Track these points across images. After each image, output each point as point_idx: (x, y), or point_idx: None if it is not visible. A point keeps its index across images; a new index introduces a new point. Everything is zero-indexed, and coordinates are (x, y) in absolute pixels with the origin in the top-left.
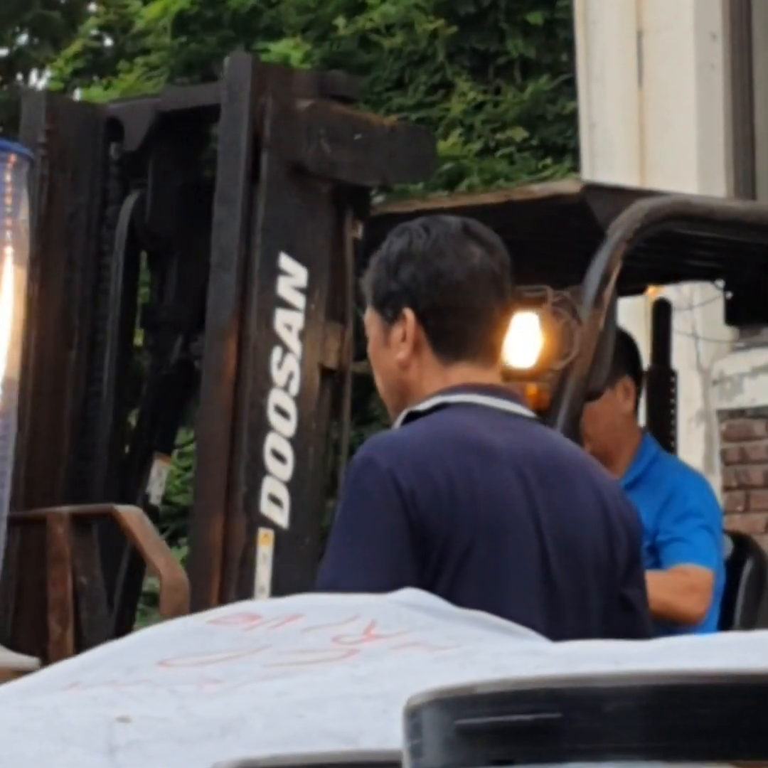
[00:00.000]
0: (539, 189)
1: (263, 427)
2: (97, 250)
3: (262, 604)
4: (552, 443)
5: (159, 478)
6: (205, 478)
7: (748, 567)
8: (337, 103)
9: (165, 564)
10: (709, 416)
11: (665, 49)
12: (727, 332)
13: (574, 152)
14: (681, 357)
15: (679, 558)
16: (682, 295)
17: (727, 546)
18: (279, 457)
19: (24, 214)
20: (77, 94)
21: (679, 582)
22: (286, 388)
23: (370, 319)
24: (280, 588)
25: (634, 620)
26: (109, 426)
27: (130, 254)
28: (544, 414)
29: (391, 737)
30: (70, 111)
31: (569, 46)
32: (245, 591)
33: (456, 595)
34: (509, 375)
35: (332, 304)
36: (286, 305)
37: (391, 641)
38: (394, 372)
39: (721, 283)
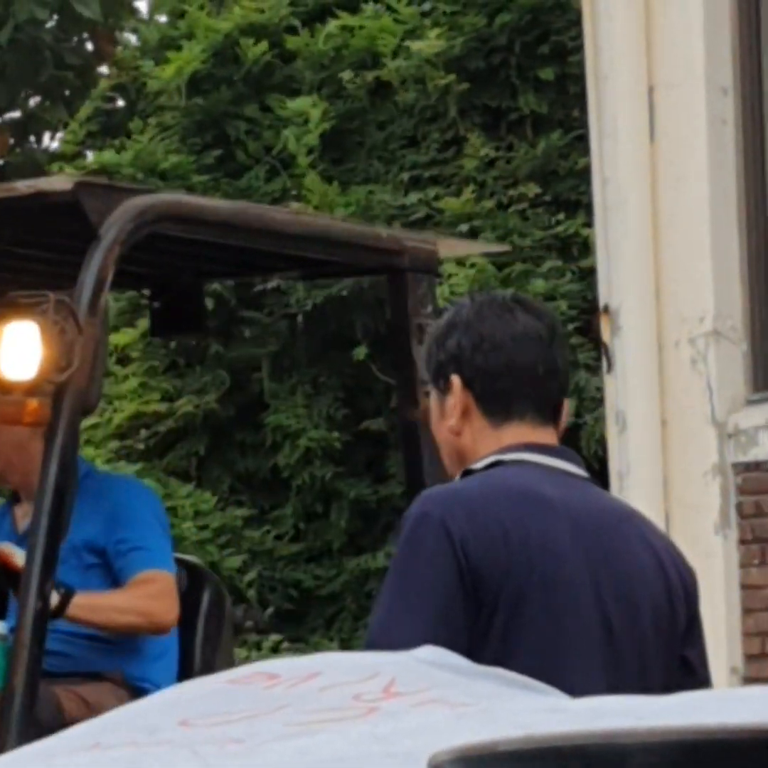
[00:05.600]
0: (25, 186)
1: None
2: None
3: (281, 663)
4: (606, 502)
5: None
6: None
7: (205, 598)
8: None
9: None
10: (725, 469)
11: (677, 105)
12: (742, 385)
13: (588, 207)
14: (696, 410)
15: (142, 566)
16: (698, 349)
17: (182, 578)
18: None
19: None
20: (89, 157)
21: (150, 590)
22: None
23: (431, 396)
24: None
25: (693, 683)
26: None
27: None
28: (45, 431)
29: None
30: None
31: (581, 100)
32: None
33: (509, 645)
34: (8, 388)
35: None
36: None
37: (411, 699)
38: (450, 440)
39: (147, 292)
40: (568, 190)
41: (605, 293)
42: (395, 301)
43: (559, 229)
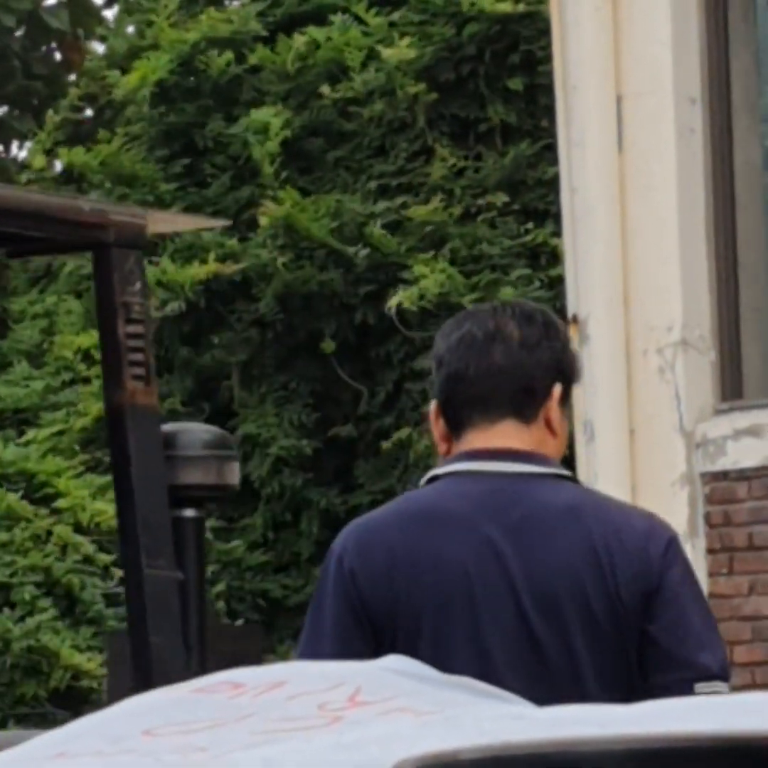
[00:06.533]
0: None
1: None
2: None
3: (246, 672)
4: (538, 499)
5: None
6: None
7: None
8: None
9: None
10: (693, 479)
11: (645, 114)
12: (710, 395)
13: (556, 217)
14: (664, 420)
15: None
16: (666, 359)
17: None
18: None
19: None
20: (57, 166)
21: None
22: None
23: None
24: None
25: (657, 653)
26: None
27: None
28: None
29: None
30: None
31: (550, 111)
32: None
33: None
34: None
35: None
36: None
37: (376, 707)
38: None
39: None
40: (537, 200)
41: (573, 302)
42: (100, 279)
43: (528, 238)
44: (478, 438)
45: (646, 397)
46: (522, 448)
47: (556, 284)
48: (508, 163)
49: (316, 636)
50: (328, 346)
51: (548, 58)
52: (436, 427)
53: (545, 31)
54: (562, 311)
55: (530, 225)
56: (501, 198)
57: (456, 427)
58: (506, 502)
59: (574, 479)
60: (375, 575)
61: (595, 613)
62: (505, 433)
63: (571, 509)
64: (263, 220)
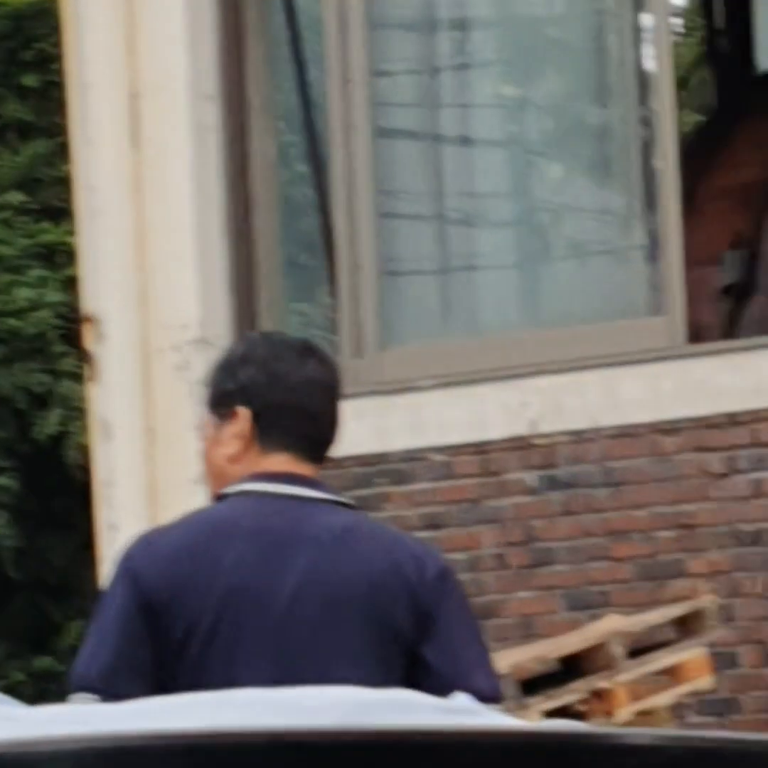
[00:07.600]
0: None
1: None
2: None
3: None
4: (316, 521)
5: None
6: None
7: None
8: None
9: None
10: None
11: (160, 112)
12: None
13: (73, 215)
14: (182, 418)
15: None
16: (183, 357)
17: None
18: None
19: None
20: None
21: None
22: None
23: (206, 419)
24: None
25: (435, 684)
26: None
27: None
28: None
29: None
30: None
31: (65, 108)
32: None
33: (192, 663)
34: None
35: None
36: None
37: None
38: (223, 466)
39: None
40: (54, 198)
41: (90, 301)
42: None
43: (45, 237)
44: (288, 463)
45: (164, 395)
46: (314, 479)
47: (74, 284)
48: (24, 161)
49: (100, 630)
50: None
51: (62, 55)
52: (243, 432)
53: (58, 28)
54: (80, 311)
55: (46, 224)
56: (17, 197)
57: (270, 447)
58: (286, 521)
59: (352, 506)
60: (159, 577)
61: (363, 629)
62: (308, 467)
63: (342, 536)
64: None
